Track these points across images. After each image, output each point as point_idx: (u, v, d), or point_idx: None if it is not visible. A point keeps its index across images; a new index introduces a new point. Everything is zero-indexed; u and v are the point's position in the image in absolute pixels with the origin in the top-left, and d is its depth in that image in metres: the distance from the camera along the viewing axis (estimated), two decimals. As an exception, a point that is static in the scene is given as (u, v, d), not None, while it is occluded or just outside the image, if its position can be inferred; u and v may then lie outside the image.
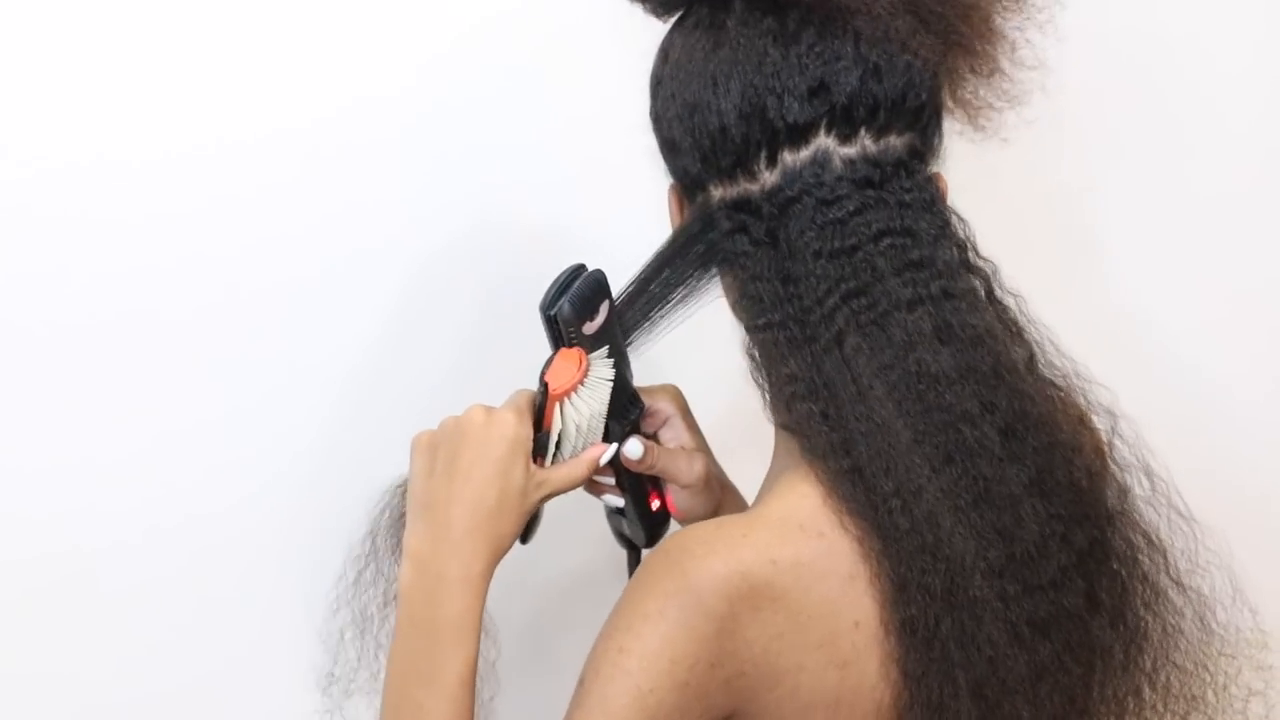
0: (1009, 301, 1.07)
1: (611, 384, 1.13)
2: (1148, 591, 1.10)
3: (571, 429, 1.12)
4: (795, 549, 0.99)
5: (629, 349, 1.16)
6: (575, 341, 1.11)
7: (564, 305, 1.09)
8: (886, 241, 1.02)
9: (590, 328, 1.11)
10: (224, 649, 1.45)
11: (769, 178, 1.03)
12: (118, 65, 1.37)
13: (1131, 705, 1.10)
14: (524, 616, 1.55)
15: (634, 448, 1.16)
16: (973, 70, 1.06)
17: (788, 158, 1.02)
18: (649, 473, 1.19)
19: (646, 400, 1.20)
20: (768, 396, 1.06)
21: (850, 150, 1.02)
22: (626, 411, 1.16)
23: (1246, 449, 1.82)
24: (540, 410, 1.11)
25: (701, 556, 0.97)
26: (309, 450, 1.47)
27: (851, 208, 1.02)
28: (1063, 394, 1.08)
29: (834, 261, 1.02)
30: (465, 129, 1.48)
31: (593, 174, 1.52)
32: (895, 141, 1.03)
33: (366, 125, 1.44)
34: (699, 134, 1.03)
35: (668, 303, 1.10)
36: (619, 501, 1.21)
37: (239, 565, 1.45)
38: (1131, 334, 1.72)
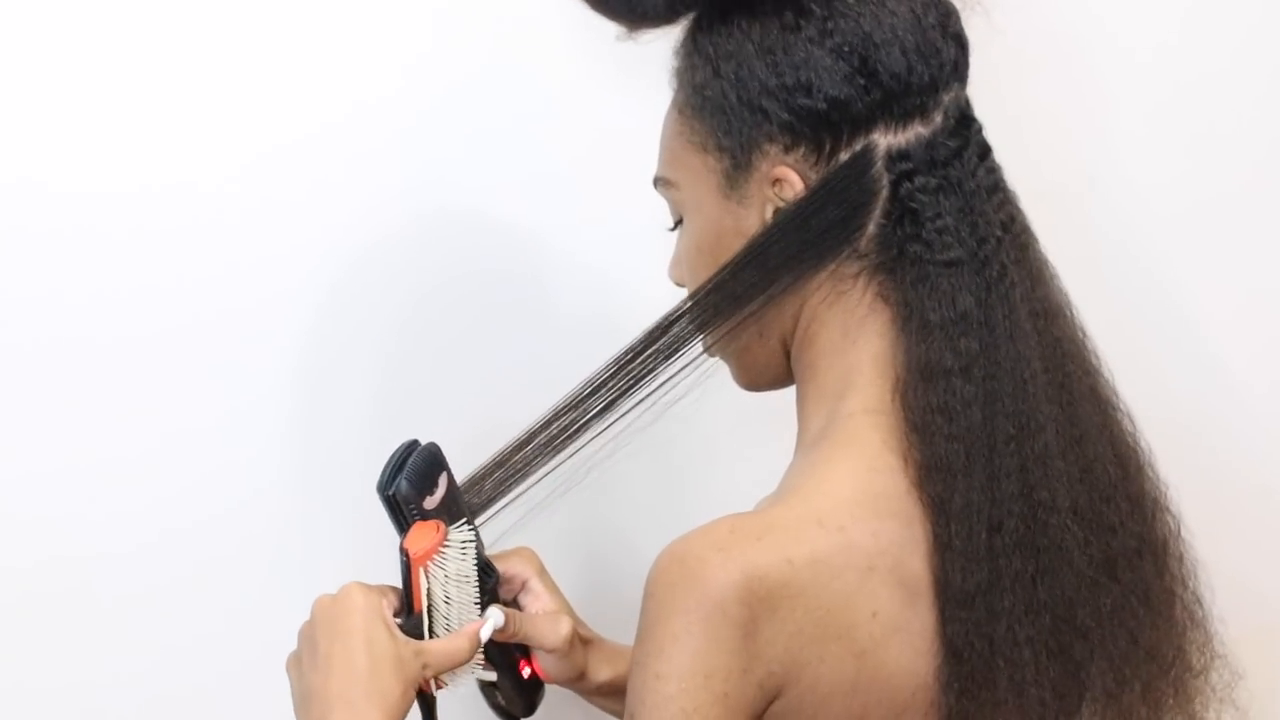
0: None
1: (474, 547, 1.12)
2: (1184, 554, 1.15)
3: (441, 601, 1.10)
4: (812, 547, 0.99)
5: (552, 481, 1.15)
6: (418, 517, 1.10)
7: (401, 483, 1.09)
8: (1007, 179, 1.09)
9: (430, 502, 1.11)
10: (230, 654, 1.45)
11: (937, 119, 1.06)
12: (109, 76, 1.36)
13: (1186, 652, 1.14)
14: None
15: (495, 617, 1.15)
16: None
17: (944, 98, 1.06)
18: (513, 640, 1.19)
19: (500, 566, 1.20)
20: (920, 342, 1.05)
21: (964, 93, 1.09)
22: (482, 581, 1.15)
23: (1246, 448, 1.84)
24: (407, 587, 1.10)
25: (719, 565, 0.97)
26: (315, 452, 1.47)
27: (988, 144, 1.09)
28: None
29: (996, 195, 1.07)
30: (457, 132, 1.49)
31: (589, 176, 1.53)
32: None
33: (360, 131, 1.45)
34: (882, 75, 1.04)
35: (768, 291, 1.08)
36: (490, 676, 1.19)
37: (244, 569, 1.45)
38: (1128, 330, 1.72)
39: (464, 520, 1.13)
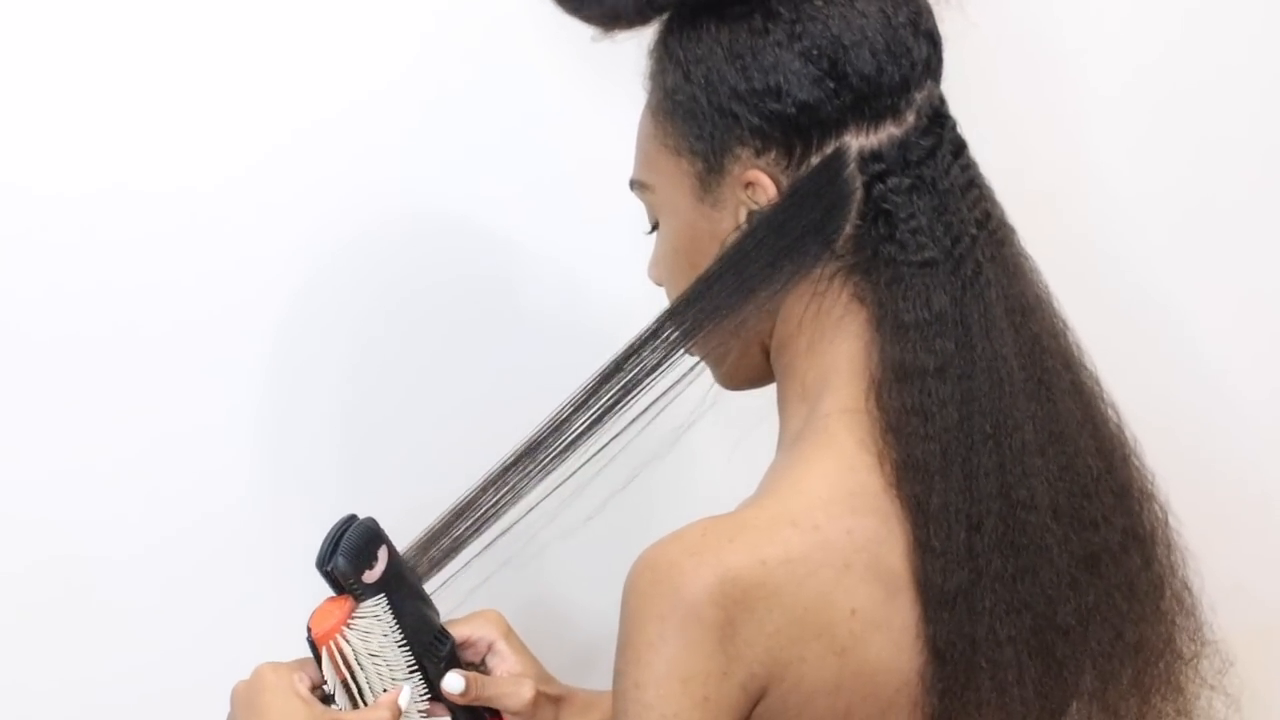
0: None
1: (385, 619, 1.14)
2: (1172, 542, 1.15)
3: (360, 673, 1.12)
4: (785, 547, 0.99)
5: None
6: (357, 591, 1.13)
7: (339, 560, 1.12)
8: (982, 175, 1.09)
9: (371, 576, 1.13)
10: (228, 653, 1.44)
11: (910, 118, 1.05)
12: (102, 78, 1.38)
13: (1176, 641, 1.14)
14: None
15: (453, 682, 1.16)
16: None
17: (917, 96, 1.05)
18: (477, 704, 1.19)
19: (464, 630, 1.21)
20: (895, 343, 1.05)
21: (938, 90, 1.08)
22: (435, 648, 1.16)
23: (1246, 450, 1.83)
24: (319, 663, 1.12)
25: (691, 570, 0.98)
26: (312, 451, 1.48)
27: (962, 141, 1.08)
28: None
29: (970, 192, 1.07)
30: (451, 133, 1.50)
31: (572, 182, 1.54)
32: None
33: (355, 130, 1.46)
34: (851, 77, 1.04)
35: (751, 300, 1.07)
36: None
37: (242, 568, 1.46)
38: (1124, 332, 1.72)
39: (382, 594, 1.14)
